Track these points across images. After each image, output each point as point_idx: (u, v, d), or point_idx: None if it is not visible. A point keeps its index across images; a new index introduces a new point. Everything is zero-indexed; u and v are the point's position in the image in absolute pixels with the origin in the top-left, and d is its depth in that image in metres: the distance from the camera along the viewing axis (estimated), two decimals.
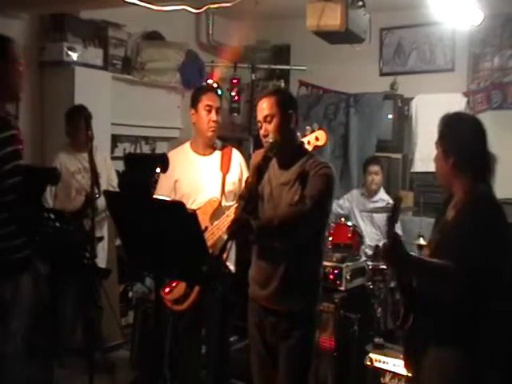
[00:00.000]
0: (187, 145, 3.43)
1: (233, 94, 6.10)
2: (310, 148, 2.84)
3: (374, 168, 5.17)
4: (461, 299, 2.12)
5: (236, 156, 3.40)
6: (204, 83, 5.49)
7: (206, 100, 3.29)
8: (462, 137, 2.28)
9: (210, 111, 3.27)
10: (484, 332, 2.23)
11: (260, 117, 2.67)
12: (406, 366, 2.46)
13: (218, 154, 3.37)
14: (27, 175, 2.69)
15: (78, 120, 3.94)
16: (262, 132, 2.68)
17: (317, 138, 2.85)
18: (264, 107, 2.66)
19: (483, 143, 2.28)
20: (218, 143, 3.42)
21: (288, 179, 2.64)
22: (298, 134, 2.80)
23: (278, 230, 2.50)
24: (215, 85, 5.78)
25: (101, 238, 4.16)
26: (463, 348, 2.18)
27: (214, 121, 3.28)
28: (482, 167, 2.28)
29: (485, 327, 2.23)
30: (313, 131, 2.87)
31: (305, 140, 2.85)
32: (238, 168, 3.37)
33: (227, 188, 3.29)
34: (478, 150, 2.27)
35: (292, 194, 2.60)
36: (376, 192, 5.18)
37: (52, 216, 2.61)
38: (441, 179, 2.37)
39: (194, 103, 3.32)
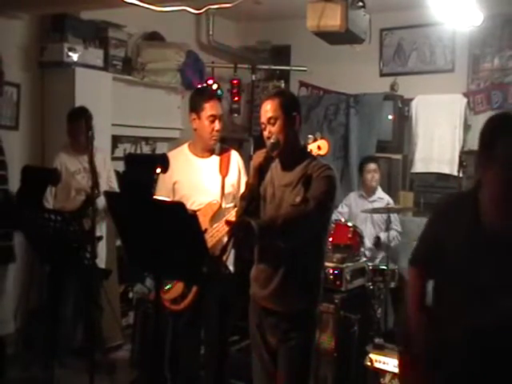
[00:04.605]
0: (185, 146, 3.39)
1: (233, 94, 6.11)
2: None
3: (372, 166, 5.17)
4: None
5: (234, 158, 3.38)
6: (204, 85, 5.48)
7: (209, 109, 3.21)
8: None
9: (213, 121, 3.22)
10: None
11: (264, 119, 2.65)
12: None
13: (216, 156, 3.35)
14: (28, 176, 2.71)
15: (79, 121, 3.97)
16: (265, 134, 2.66)
17: (319, 147, 2.79)
18: (268, 109, 2.64)
19: None
20: (217, 146, 3.37)
21: (291, 181, 2.64)
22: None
23: (281, 229, 2.49)
24: (215, 86, 5.80)
25: (100, 238, 4.16)
26: None
27: (217, 130, 3.24)
28: None
29: None
30: (315, 140, 2.83)
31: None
32: (236, 170, 3.35)
33: (226, 190, 3.27)
34: None
35: (294, 196, 2.60)
36: (373, 191, 5.18)
37: (52, 217, 2.62)
38: None
39: (196, 109, 3.24)
